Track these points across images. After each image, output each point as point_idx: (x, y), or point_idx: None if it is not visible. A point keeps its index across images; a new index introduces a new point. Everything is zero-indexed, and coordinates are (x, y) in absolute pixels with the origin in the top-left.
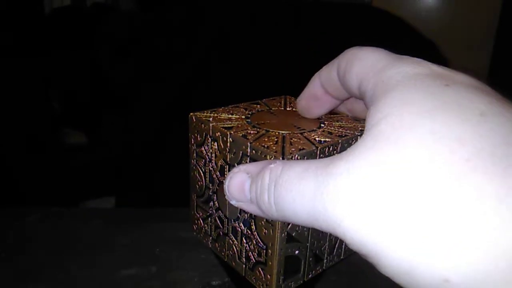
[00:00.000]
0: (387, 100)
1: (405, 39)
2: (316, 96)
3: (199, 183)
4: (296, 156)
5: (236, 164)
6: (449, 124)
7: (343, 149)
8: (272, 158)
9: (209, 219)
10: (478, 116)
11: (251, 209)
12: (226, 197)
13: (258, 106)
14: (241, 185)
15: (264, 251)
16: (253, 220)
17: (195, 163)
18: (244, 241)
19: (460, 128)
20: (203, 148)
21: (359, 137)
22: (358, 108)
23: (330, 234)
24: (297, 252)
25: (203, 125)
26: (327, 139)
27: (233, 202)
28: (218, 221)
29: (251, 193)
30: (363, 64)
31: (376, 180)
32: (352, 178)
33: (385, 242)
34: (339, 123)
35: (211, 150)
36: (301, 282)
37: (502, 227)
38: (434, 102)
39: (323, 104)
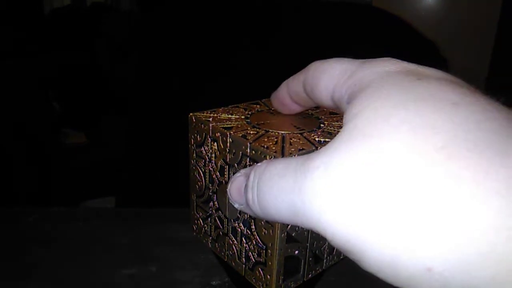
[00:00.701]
0: (361, 97)
1: (405, 39)
2: (284, 103)
3: (199, 183)
4: (296, 156)
5: (236, 165)
6: (422, 113)
7: None
8: (272, 159)
9: (209, 219)
10: (451, 105)
11: (248, 210)
12: (230, 201)
13: (258, 106)
14: (240, 188)
15: (264, 251)
16: (253, 220)
17: (195, 163)
18: (244, 241)
19: (434, 117)
20: (203, 149)
21: None
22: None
23: (313, 230)
24: (296, 252)
25: (203, 125)
26: (326, 139)
27: (236, 205)
28: (218, 221)
29: (244, 195)
30: (330, 75)
31: (353, 173)
32: (329, 172)
33: (366, 235)
34: (339, 123)
35: (211, 150)
36: (301, 282)
37: (481, 211)
38: (407, 95)
39: (292, 110)
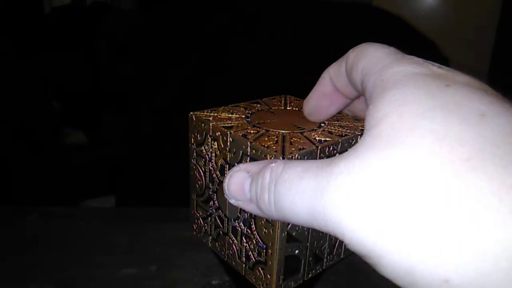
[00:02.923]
0: (386, 99)
1: (405, 39)
2: (325, 93)
3: (199, 182)
4: (296, 155)
5: (236, 164)
6: (448, 124)
7: (343, 148)
8: (273, 158)
9: (209, 218)
10: (478, 116)
11: (250, 208)
12: (225, 195)
13: (258, 105)
14: (241, 184)
15: (264, 250)
16: (253, 220)
17: (195, 162)
18: (244, 240)
19: (460, 128)
20: (203, 148)
21: (359, 137)
22: (358, 107)
23: (330, 234)
24: (297, 251)
25: (203, 125)
26: (327, 139)
27: (232, 201)
28: (218, 221)
29: (250, 192)
30: (369, 60)
31: (376, 181)
32: (352, 179)
33: (384, 243)
34: (339, 122)
35: (211, 150)
36: (301, 281)
37: (502, 226)
38: (434, 102)
39: (332, 103)
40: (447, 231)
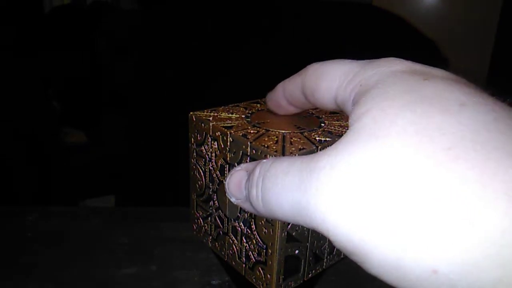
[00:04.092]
0: (367, 97)
1: (405, 39)
2: (280, 105)
3: (199, 182)
4: (296, 155)
5: (236, 164)
6: (429, 115)
7: None
8: (278, 156)
9: (209, 218)
10: (458, 106)
11: (247, 206)
12: (226, 194)
13: (258, 105)
14: (239, 183)
15: (264, 250)
16: (253, 220)
17: (195, 162)
18: (244, 240)
19: (441, 118)
20: (203, 148)
21: None
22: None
23: (315, 230)
24: (297, 251)
25: (203, 125)
26: (327, 139)
27: (233, 200)
28: (218, 221)
29: (245, 190)
30: (332, 78)
31: (359, 174)
32: (335, 173)
33: (370, 238)
34: (339, 122)
35: (211, 150)
36: (301, 281)
37: (487, 213)
38: (413, 95)
39: (288, 111)
40: (431, 221)
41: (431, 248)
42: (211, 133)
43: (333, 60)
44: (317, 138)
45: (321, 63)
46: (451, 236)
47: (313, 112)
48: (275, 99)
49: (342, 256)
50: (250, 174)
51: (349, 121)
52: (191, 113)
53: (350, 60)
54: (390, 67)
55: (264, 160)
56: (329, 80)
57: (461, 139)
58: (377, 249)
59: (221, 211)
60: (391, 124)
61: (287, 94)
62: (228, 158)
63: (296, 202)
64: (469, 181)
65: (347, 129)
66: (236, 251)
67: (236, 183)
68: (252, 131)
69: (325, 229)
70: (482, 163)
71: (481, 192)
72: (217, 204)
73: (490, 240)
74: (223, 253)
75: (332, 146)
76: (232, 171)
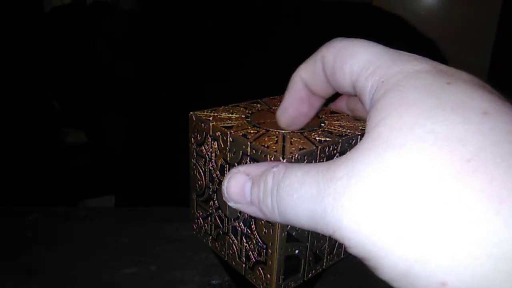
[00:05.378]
0: (387, 101)
1: (405, 39)
2: (302, 99)
3: (199, 182)
4: (297, 155)
5: (236, 164)
6: (450, 123)
7: (343, 148)
8: (273, 158)
9: (209, 218)
10: (481, 114)
11: (251, 210)
12: (224, 198)
13: (258, 105)
14: (241, 187)
15: (264, 250)
16: (253, 220)
17: (195, 162)
18: (244, 240)
19: (462, 128)
20: (203, 148)
21: (359, 137)
22: (361, 108)
23: (332, 237)
24: (297, 251)
25: (203, 124)
26: (327, 139)
27: (231, 204)
28: (218, 221)
29: (252, 196)
30: (357, 61)
31: (375, 184)
32: (352, 183)
33: (383, 245)
34: (339, 122)
35: (211, 150)
36: (301, 281)
37: (502, 229)
38: (434, 101)
39: (311, 107)
40: (443, 234)
41: (442, 260)
42: (211, 133)
43: (359, 41)
44: (317, 138)
45: (347, 40)
46: (462, 249)
47: None
48: (294, 95)
49: (342, 256)
50: (257, 180)
51: (366, 125)
52: (191, 113)
53: (379, 47)
54: (415, 66)
55: (275, 169)
56: (353, 62)
57: (481, 151)
58: (388, 256)
59: (221, 211)
60: (408, 133)
61: (306, 78)
62: (228, 158)
63: (313, 212)
64: (486, 196)
65: (347, 129)
66: (236, 251)
67: (236, 187)
68: (252, 131)
69: (340, 236)
70: (500, 178)
71: (497, 207)
72: (217, 204)
73: (504, 257)
74: (223, 253)
75: (348, 154)
76: (229, 174)
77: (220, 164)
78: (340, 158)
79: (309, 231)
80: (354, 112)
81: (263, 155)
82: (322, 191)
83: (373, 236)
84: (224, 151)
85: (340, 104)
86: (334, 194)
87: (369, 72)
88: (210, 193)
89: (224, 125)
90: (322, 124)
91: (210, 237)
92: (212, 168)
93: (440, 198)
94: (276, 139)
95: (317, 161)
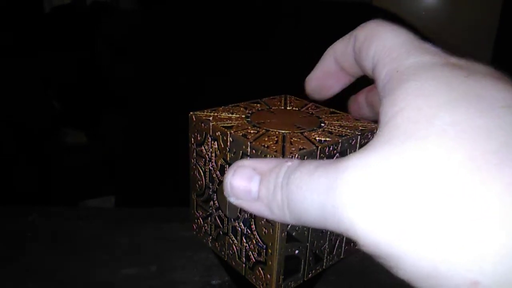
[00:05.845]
0: (402, 92)
1: None
2: (330, 72)
3: (199, 182)
4: (296, 155)
5: None
6: (470, 116)
7: (343, 148)
8: (272, 158)
9: (209, 218)
10: (500, 108)
11: (255, 208)
12: (225, 193)
13: (258, 105)
14: (247, 182)
15: (264, 250)
16: (253, 220)
17: (195, 162)
18: (244, 240)
19: (483, 120)
20: (203, 148)
21: (359, 137)
22: (376, 98)
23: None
24: (297, 251)
25: (203, 124)
26: (327, 139)
27: (232, 199)
28: (218, 221)
29: (260, 192)
30: (381, 45)
31: (392, 177)
32: (364, 173)
33: (403, 243)
34: (339, 122)
35: (211, 150)
36: (301, 281)
37: None
38: (453, 94)
39: (337, 82)
40: (472, 229)
41: (471, 258)
42: (211, 133)
43: (392, 27)
44: (317, 138)
45: (380, 23)
46: (493, 245)
47: (313, 112)
48: (323, 68)
49: (342, 256)
50: (266, 175)
51: (380, 116)
52: (191, 113)
53: (406, 35)
54: (433, 59)
55: (289, 163)
56: (378, 45)
57: (503, 145)
58: (410, 256)
59: (221, 211)
60: (428, 125)
61: (338, 54)
62: (228, 158)
63: (322, 205)
64: (511, 190)
65: (347, 129)
66: (236, 251)
67: (242, 181)
68: (252, 131)
69: (354, 234)
70: None
71: None
72: (217, 204)
73: None
74: (223, 253)
75: (363, 147)
76: (234, 167)
77: (220, 164)
78: (355, 152)
79: (309, 231)
80: (373, 106)
81: (263, 155)
82: (331, 182)
83: (390, 235)
84: (224, 151)
85: (360, 97)
86: (345, 186)
87: (388, 59)
88: (210, 193)
89: (224, 125)
90: (322, 124)
91: (210, 237)
92: (212, 168)
93: (465, 193)
94: (276, 139)
95: None
